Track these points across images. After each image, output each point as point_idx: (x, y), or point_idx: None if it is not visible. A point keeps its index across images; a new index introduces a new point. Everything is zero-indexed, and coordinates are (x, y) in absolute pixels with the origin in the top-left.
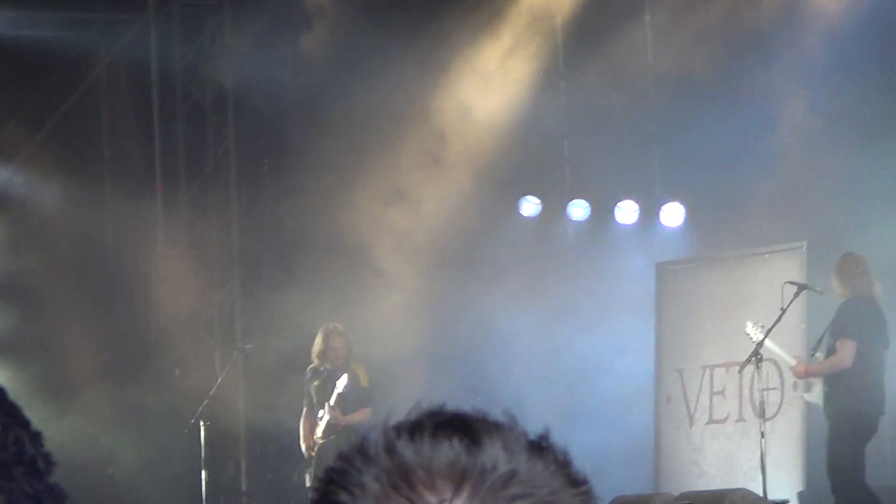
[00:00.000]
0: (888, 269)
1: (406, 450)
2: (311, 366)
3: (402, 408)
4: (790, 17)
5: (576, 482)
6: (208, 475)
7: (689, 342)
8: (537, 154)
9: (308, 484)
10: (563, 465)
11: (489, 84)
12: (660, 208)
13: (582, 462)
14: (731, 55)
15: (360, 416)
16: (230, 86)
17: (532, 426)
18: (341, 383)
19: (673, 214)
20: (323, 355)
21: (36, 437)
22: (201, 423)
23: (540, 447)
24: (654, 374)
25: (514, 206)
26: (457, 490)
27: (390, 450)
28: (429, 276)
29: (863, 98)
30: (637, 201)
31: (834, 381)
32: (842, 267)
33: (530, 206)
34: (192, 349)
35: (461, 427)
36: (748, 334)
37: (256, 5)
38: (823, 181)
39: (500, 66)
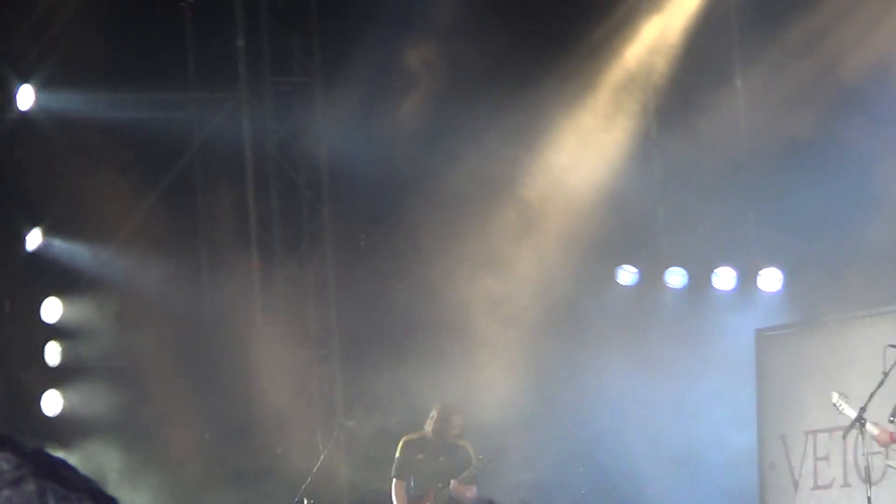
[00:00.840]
0: None
1: None
2: (408, 437)
3: (508, 478)
4: (886, 71)
5: None
6: None
7: (792, 408)
8: (633, 222)
9: None
10: None
11: (583, 152)
12: (758, 273)
13: None
14: (824, 115)
15: (472, 493)
16: (324, 161)
17: (640, 495)
18: (464, 458)
19: (771, 279)
20: (439, 431)
21: None
22: (305, 501)
23: None
24: (756, 441)
25: (612, 275)
26: None
27: None
28: (530, 346)
29: None
30: (734, 267)
31: None
32: None
33: (627, 274)
34: (294, 426)
35: None
36: (835, 405)
37: (348, 80)
38: None
39: (593, 133)
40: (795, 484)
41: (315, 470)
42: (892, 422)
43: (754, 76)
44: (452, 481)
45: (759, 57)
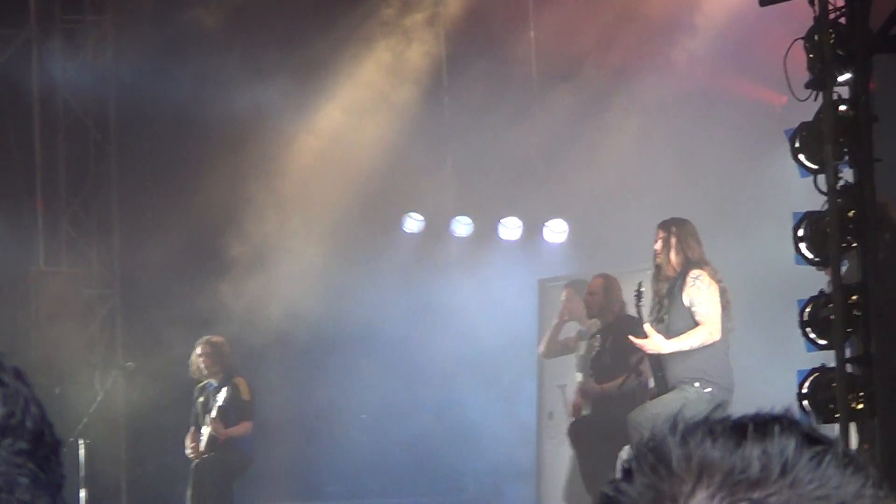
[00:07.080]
0: None
1: None
2: (199, 383)
3: (282, 413)
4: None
5: None
6: (88, 494)
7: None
8: (420, 170)
9: (188, 503)
10: None
11: (372, 97)
12: (543, 225)
13: (465, 478)
14: (619, 66)
15: (242, 430)
16: (112, 101)
17: (407, 445)
18: (221, 396)
19: (556, 231)
20: (197, 369)
21: None
22: (80, 441)
23: None
24: (536, 390)
25: (398, 222)
26: None
27: None
28: (316, 281)
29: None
30: (520, 217)
31: None
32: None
33: (413, 222)
34: (74, 367)
35: None
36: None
37: (138, 19)
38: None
39: (384, 78)
40: None
41: (92, 410)
42: None
43: (547, 23)
44: (207, 417)
45: (553, 4)
